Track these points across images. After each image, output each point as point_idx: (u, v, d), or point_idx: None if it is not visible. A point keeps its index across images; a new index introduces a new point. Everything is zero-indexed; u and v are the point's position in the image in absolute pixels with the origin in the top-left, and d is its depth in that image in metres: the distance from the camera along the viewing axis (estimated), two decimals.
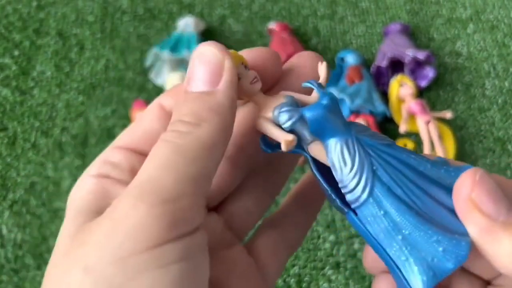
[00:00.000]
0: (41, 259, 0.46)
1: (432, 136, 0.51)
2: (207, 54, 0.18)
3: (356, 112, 0.52)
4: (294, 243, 0.23)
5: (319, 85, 0.19)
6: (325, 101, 0.18)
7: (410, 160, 0.18)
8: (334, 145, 0.18)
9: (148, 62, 0.57)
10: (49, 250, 0.47)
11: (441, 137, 0.52)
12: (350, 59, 0.55)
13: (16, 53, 0.60)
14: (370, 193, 0.18)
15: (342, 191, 0.19)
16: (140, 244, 0.15)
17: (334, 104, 0.18)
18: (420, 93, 0.56)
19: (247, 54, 0.20)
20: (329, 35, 0.62)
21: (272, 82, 0.21)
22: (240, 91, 0.19)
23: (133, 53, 0.60)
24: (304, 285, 0.45)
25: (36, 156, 0.52)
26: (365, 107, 0.52)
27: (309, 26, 0.63)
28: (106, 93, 0.57)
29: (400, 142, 0.52)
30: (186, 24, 0.60)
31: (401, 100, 0.54)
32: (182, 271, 0.16)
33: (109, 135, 0.54)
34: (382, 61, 0.55)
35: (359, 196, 0.18)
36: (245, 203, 0.22)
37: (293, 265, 0.46)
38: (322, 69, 0.20)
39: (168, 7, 0.64)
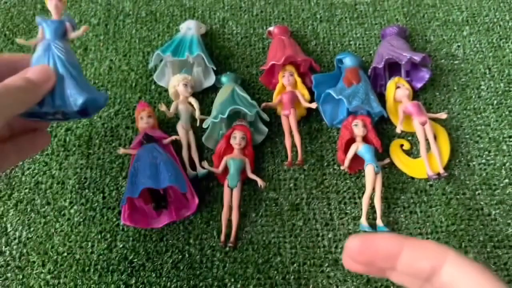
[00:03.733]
0: (46, 257, 0.47)
1: (428, 136, 0.52)
2: None
3: (353, 113, 0.53)
4: None
5: None
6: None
7: None
8: None
9: (150, 64, 0.58)
10: (54, 248, 0.48)
11: (436, 137, 0.53)
12: (348, 61, 0.55)
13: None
14: None
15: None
16: None
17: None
18: (417, 94, 0.56)
19: None
20: (327, 37, 0.62)
21: None
22: None
23: (136, 55, 0.60)
24: (303, 282, 0.45)
25: (41, 155, 0.53)
26: (363, 108, 0.52)
27: (308, 28, 0.63)
28: (109, 94, 0.57)
29: (397, 143, 0.53)
30: (188, 26, 0.60)
31: (397, 101, 0.55)
32: None
33: (113, 135, 0.55)
34: (379, 63, 0.56)
35: None
36: None
37: (293, 263, 0.46)
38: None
39: (170, 10, 0.65)
